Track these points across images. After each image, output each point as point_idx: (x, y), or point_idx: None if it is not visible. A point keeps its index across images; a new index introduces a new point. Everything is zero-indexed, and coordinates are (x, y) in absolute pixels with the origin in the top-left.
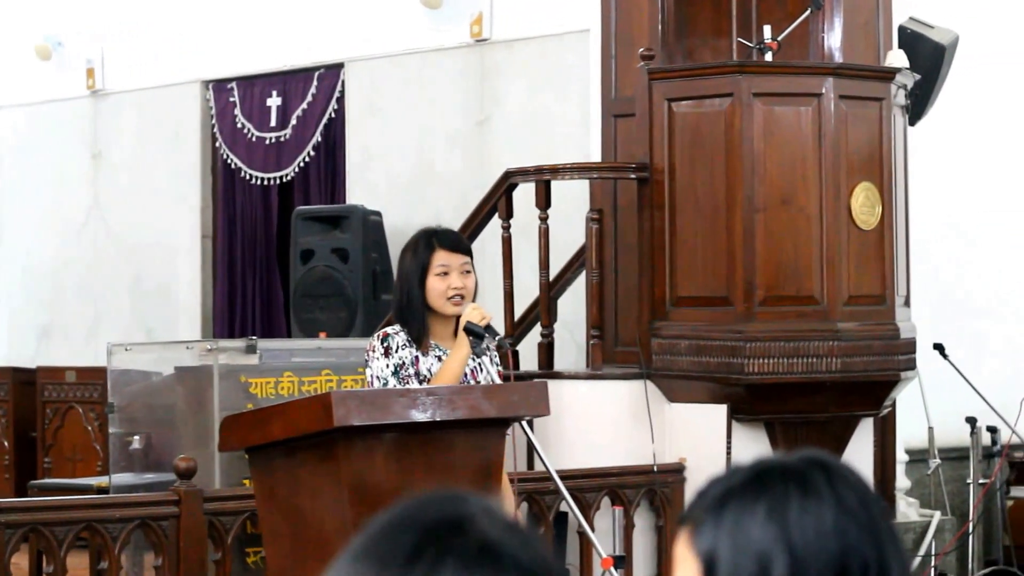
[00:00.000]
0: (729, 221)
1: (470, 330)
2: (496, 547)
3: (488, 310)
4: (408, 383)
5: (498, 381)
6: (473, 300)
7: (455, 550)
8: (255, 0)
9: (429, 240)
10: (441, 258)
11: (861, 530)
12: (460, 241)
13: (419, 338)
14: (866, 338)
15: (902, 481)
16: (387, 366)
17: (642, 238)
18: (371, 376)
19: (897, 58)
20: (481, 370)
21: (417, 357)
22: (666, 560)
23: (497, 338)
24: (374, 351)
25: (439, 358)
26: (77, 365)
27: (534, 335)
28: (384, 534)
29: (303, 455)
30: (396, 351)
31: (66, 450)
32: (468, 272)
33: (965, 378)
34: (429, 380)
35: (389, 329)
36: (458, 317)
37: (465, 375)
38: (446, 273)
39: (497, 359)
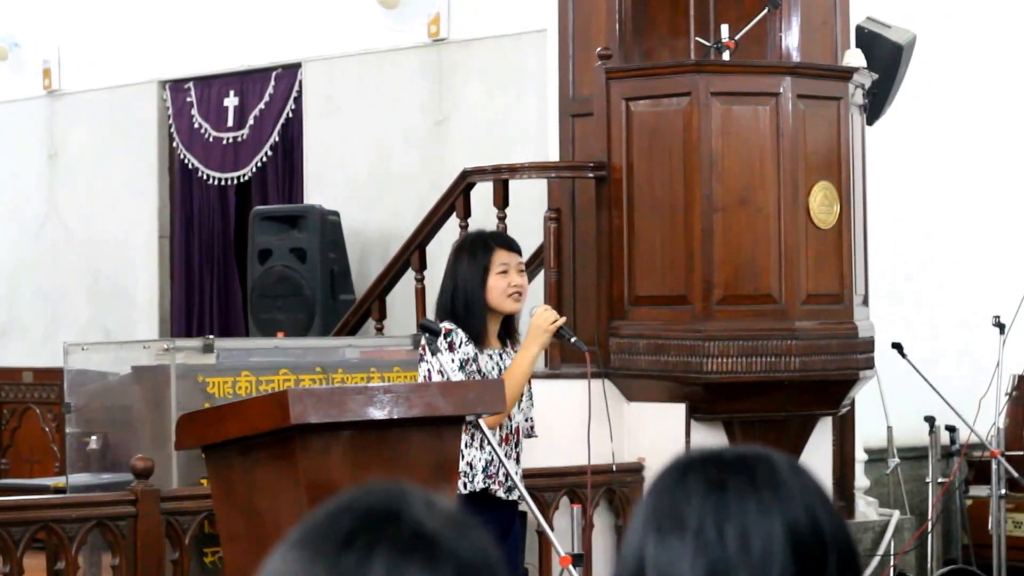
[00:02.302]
0: (687, 220)
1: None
2: (432, 537)
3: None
4: (474, 378)
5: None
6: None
7: (388, 538)
8: (212, 0)
9: (487, 242)
10: (502, 257)
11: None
12: (514, 242)
13: (478, 337)
14: (824, 337)
15: (861, 480)
16: (453, 360)
17: (600, 237)
18: (427, 370)
19: (855, 57)
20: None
21: (477, 355)
22: None
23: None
24: (433, 346)
25: (490, 356)
26: (34, 366)
27: None
28: (319, 522)
29: (260, 453)
30: (460, 347)
31: (23, 451)
32: (523, 271)
33: (924, 377)
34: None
35: (448, 325)
36: (506, 316)
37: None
38: (505, 271)
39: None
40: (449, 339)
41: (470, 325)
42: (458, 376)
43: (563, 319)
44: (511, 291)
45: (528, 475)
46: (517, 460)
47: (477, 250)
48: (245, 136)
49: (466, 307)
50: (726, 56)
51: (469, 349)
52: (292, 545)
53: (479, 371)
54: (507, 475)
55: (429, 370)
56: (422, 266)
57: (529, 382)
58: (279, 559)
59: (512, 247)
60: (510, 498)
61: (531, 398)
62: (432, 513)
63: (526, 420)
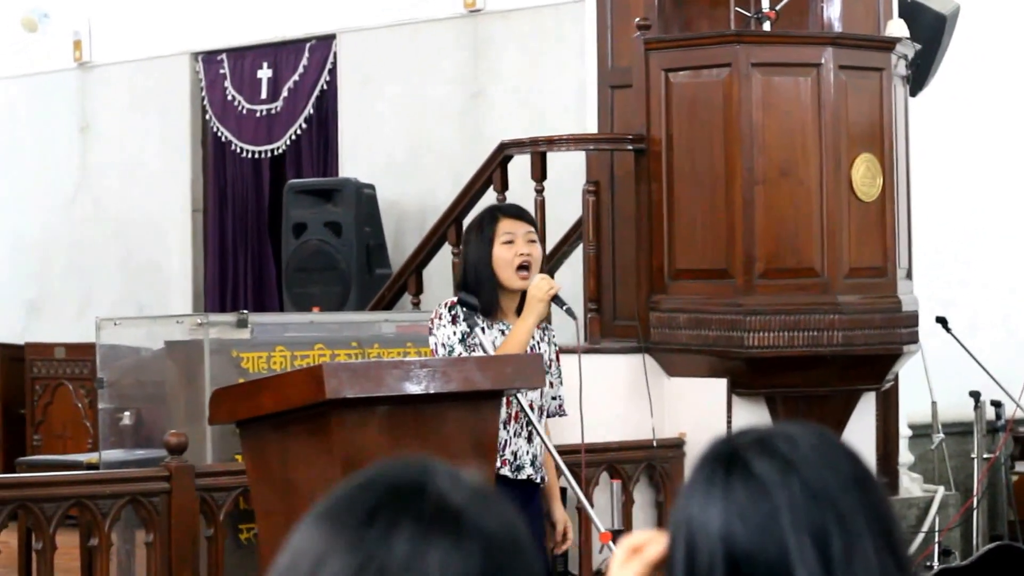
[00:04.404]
0: (728, 193)
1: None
2: (456, 511)
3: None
4: (474, 352)
5: (554, 362)
6: (540, 271)
7: (412, 512)
8: None
9: (493, 213)
10: (506, 226)
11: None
12: (524, 211)
13: (489, 309)
14: (867, 311)
15: (905, 456)
16: (454, 333)
17: (640, 210)
18: (435, 343)
19: (897, 28)
20: (539, 348)
21: (483, 328)
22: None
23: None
24: (440, 319)
25: (503, 332)
26: (66, 341)
27: None
28: (343, 496)
29: (295, 428)
30: (463, 320)
31: (56, 427)
32: (533, 242)
33: (969, 352)
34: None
35: (453, 299)
36: (524, 292)
37: (529, 349)
38: (511, 241)
39: (556, 339)
40: (453, 312)
41: (481, 299)
42: (459, 349)
43: (559, 287)
44: (518, 262)
45: (567, 451)
46: (529, 439)
47: (484, 224)
48: (279, 108)
49: (476, 281)
50: (767, 26)
51: (472, 323)
52: (316, 519)
53: (481, 346)
54: (515, 454)
55: (436, 344)
56: (459, 240)
57: (558, 359)
58: (303, 533)
59: (521, 216)
60: (518, 477)
61: (560, 375)
62: (457, 487)
63: (553, 399)
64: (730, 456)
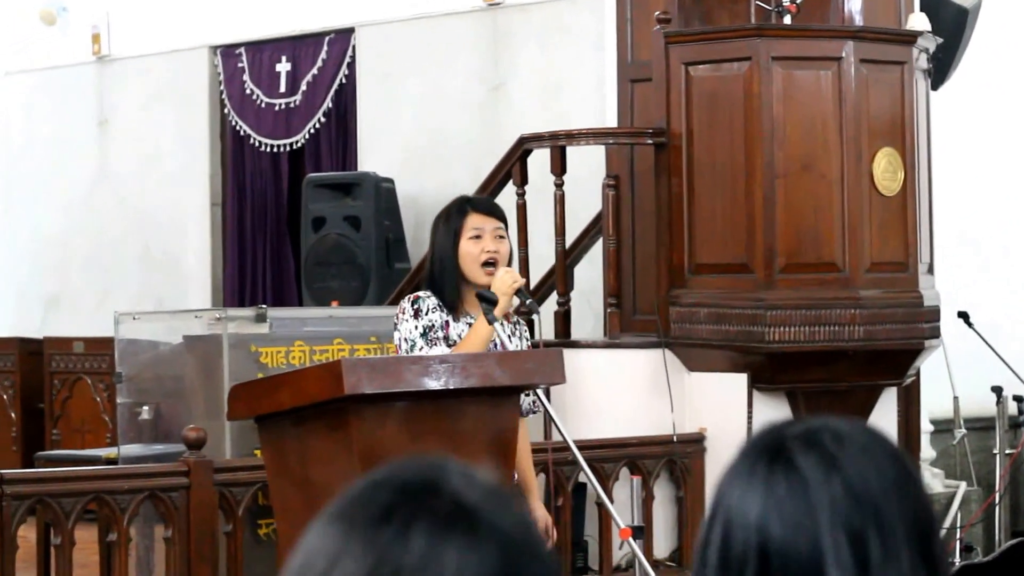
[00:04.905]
0: (748, 187)
1: (482, 296)
2: (472, 510)
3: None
4: (436, 346)
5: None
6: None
7: (427, 511)
8: None
9: (462, 206)
10: (474, 221)
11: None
12: (494, 206)
13: (452, 304)
14: (889, 306)
15: (927, 451)
16: (416, 327)
17: (660, 204)
18: (399, 339)
19: (919, 21)
20: (512, 342)
21: (447, 322)
22: (687, 531)
23: (528, 303)
24: (404, 313)
25: (470, 325)
26: (85, 335)
27: (550, 303)
28: (358, 495)
29: (313, 424)
30: (426, 313)
31: (74, 421)
32: (502, 237)
33: (991, 347)
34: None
35: (420, 293)
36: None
37: (496, 344)
38: (479, 237)
39: (527, 333)
40: (416, 306)
41: (445, 293)
42: (421, 344)
43: (523, 281)
44: (484, 258)
45: (587, 446)
46: None
47: (452, 215)
48: (298, 102)
49: (440, 274)
50: (787, 20)
51: (436, 317)
52: (329, 520)
53: (446, 339)
54: None
55: (399, 339)
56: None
57: None
58: (315, 534)
59: (491, 211)
60: None
61: None
62: (472, 486)
63: (526, 395)
64: (776, 447)
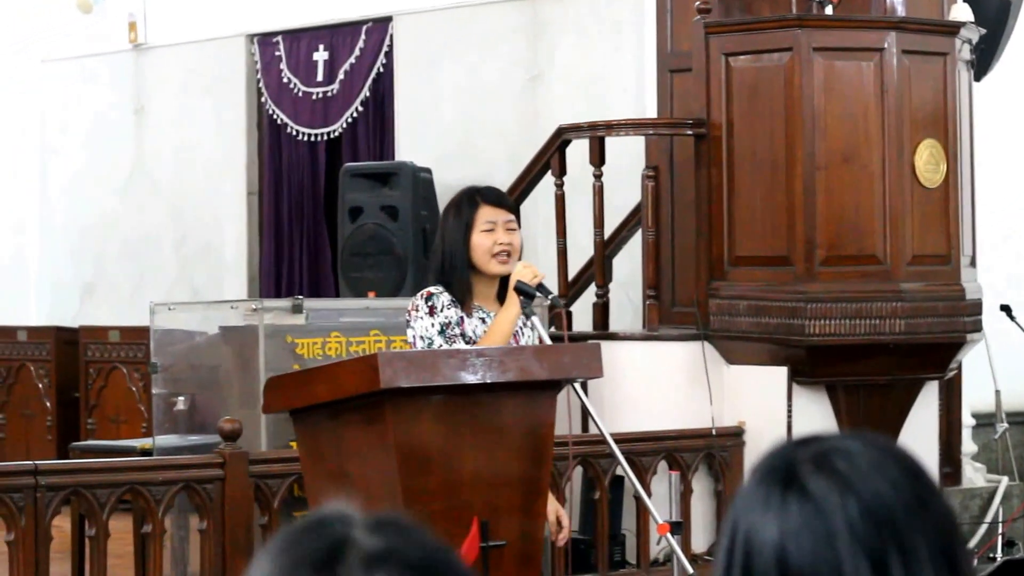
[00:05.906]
0: (789, 178)
1: (521, 290)
2: (382, 555)
3: (540, 269)
4: (454, 343)
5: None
6: (519, 259)
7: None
8: None
9: (472, 197)
10: (486, 214)
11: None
12: (504, 198)
13: (463, 299)
14: (931, 299)
15: (968, 446)
16: (432, 325)
17: (699, 196)
18: (413, 336)
19: (962, 12)
20: (523, 334)
21: (462, 318)
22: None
23: (551, 297)
24: (417, 311)
25: (483, 320)
26: (121, 324)
27: (589, 295)
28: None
29: (349, 417)
30: (441, 310)
31: (109, 411)
32: (513, 229)
33: None
34: (474, 342)
35: (432, 289)
36: (503, 277)
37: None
38: (491, 229)
39: (538, 322)
40: (430, 303)
41: (454, 286)
42: (439, 341)
43: (542, 275)
44: (496, 250)
45: (624, 439)
46: None
47: (462, 207)
48: (335, 91)
49: (451, 267)
50: (829, 10)
51: (451, 313)
52: None
53: (462, 336)
54: None
55: (414, 336)
56: (517, 225)
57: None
58: None
59: (501, 203)
60: None
61: None
62: (374, 530)
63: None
64: (786, 472)
